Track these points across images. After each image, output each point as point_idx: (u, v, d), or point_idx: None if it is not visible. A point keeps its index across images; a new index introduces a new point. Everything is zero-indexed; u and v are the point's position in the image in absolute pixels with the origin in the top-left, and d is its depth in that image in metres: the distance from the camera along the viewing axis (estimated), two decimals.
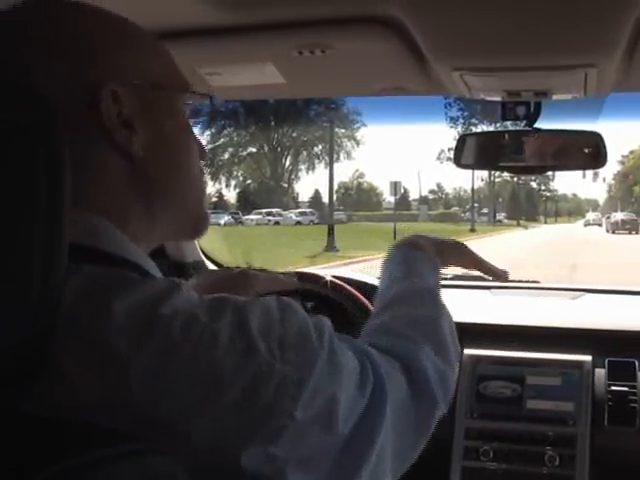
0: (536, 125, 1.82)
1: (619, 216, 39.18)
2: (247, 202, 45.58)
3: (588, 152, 1.86)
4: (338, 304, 2.05)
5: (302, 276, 2.11)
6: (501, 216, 53.70)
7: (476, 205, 50.96)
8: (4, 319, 0.61)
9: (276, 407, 0.73)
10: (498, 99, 1.75)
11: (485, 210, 53.85)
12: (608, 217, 42.26)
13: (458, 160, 1.98)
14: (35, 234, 0.62)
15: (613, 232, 34.52)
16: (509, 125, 2.10)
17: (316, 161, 49.74)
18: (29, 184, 0.62)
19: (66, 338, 0.69)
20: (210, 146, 45.55)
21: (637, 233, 32.87)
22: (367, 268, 14.94)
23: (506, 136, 1.94)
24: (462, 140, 1.99)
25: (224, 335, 0.73)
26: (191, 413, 0.70)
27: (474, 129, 35.47)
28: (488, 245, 26.68)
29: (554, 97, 1.71)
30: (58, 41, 0.81)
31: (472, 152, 1.99)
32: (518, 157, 1.91)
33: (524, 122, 1.82)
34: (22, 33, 0.81)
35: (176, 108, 0.90)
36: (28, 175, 0.62)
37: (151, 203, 0.87)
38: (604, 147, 1.83)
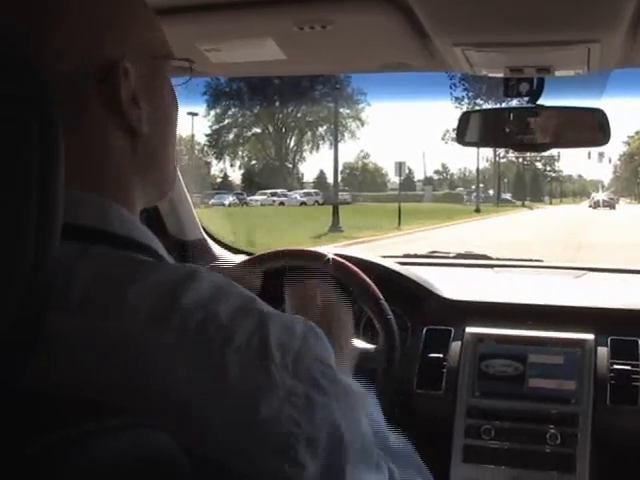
0: (539, 102, 1.80)
1: (600, 196, 48.11)
2: (252, 183, 45.51)
3: (592, 129, 1.85)
4: (339, 282, 2.05)
5: (304, 254, 2.11)
6: (507, 196, 53.55)
7: (481, 185, 50.89)
8: None
9: (282, 416, 0.72)
10: (500, 75, 1.74)
11: (491, 192, 53.72)
12: (591, 197, 50.78)
13: (461, 138, 1.97)
14: (29, 214, 0.61)
15: (595, 208, 41.62)
16: (514, 102, 2.09)
17: (320, 142, 49.68)
18: (21, 160, 0.61)
19: (78, 319, 0.70)
20: (215, 127, 45.55)
21: (614, 209, 40.65)
22: (371, 248, 14.97)
23: (509, 113, 1.93)
24: (465, 117, 1.98)
25: (240, 337, 0.72)
26: (197, 402, 0.69)
27: None
28: (492, 225, 26.76)
29: (557, 73, 1.69)
30: (69, 17, 0.79)
31: (475, 129, 1.97)
32: (521, 134, 1.89)
33: (527, 99, 1.80)
34: (31, 9, 0.79)
35: (166, 78, 0.90)
36: (20, 151, 0.61)
37: (145, 175, 0.87)
38: (607, 124, 1.81)
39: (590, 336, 2.03)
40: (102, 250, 0.75)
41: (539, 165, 60.31)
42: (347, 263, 2.04)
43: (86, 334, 0.69)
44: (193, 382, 0.69)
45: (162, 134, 0.88)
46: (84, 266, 0.72)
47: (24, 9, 0.80)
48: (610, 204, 42.89)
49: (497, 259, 2.84)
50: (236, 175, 50.52)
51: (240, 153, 49.81)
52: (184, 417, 0.69)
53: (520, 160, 54.27)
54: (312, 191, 44.34)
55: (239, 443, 0.70)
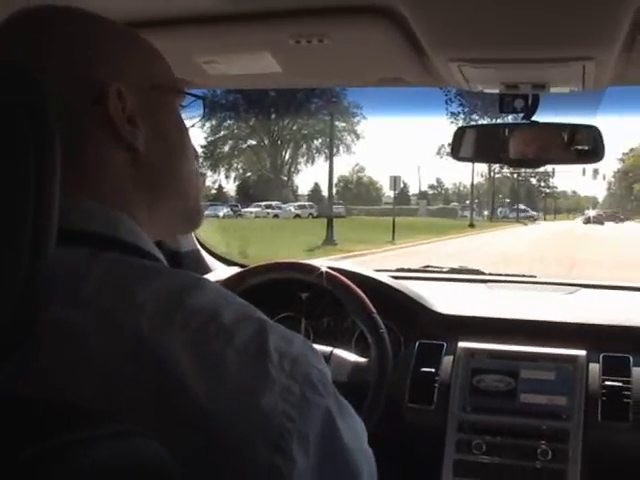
0: (534, 118, 1.81)
1: (591, 213, 53.92)
2: (246, 194, 45.52)
3: (586, 146, 1.86)
4: (332, 295, 2.06)
5: (298, 267, 2.12)
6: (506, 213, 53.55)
7: (476, 201, 50.92)
8: None
9: (276, 410, 0.72)
10: (496, 91, 1.74)
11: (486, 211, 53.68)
12: (582, 213, 56.47)
13: (456, 153, 1.98)
14: (24, 219, 0.61)
15: (586, 224, 46.60)
16: (509, 118, 2.10)
17: (316, 154, 49.67)
18: (17, 167, 0.61)
19: (87, 313, 0.71)
20: (210, 138, 45.58)
21: (602, 225, 45.15)
22: (365, 262, 14.97)
23: (504, 129, 1.94)
24: (460, 132, 1.99)
25: (240, 338, 0.74)
26: (195, 393, 0.70)
27: None
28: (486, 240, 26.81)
29: (552, 90, 1.70)
30: (65, 46, 0.86)
31: (470, 145, 1.98)
32: (516, 150, 1.90)
33: (522, 115, 1.81)
34: (30, 40, 0.86)
35: (173, 107, 0.96)
36: (16, 157, 0.61)
37: (151, 197, 0.91)
38: (602, 141, 1.82)
39: (582, 352, 2.03)
40: (113, 255, 0.78)
41: (534, 181, 60.47)
42: (340, 276, 2.05)
43: (93, 326, 0.71)
44: (193, 373, 0.70)
45: (164, 156, 0.92)
46: (95, 268, 0.75)
47: (20, 35, 0.86)
48: (599, 220, 47.78)
49: (490, 274, 2.84)
50: (231, 187, 50.56)
51: (235, 165, 49.84)
52: (184, 407, 0.69)
53: (515, 176, 54.47)
54: (306, 204, 44.40)
55: (234, 436, 0.70)
